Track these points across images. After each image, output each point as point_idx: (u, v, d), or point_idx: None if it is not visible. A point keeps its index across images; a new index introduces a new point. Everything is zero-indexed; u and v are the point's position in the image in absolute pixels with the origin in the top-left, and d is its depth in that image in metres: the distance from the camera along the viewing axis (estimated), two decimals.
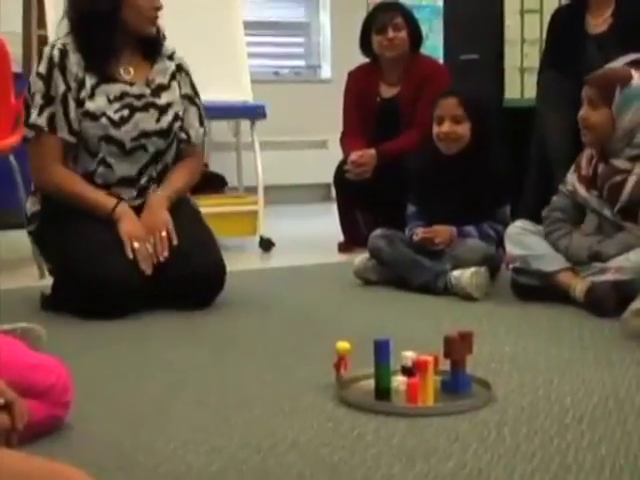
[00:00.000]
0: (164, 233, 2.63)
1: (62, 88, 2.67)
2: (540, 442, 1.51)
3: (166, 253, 2.62)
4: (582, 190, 2.71)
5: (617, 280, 2.51)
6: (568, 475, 1.37)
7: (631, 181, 2.61)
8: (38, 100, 2.67)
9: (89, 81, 2.69)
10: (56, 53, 2.68)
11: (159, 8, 2.72)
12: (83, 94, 2.68)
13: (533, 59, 4.08)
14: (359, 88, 3.92)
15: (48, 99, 2.67)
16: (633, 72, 2.68)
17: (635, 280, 2.41)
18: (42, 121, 2.67)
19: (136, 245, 2.60)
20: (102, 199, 2.68)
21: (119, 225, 2.63)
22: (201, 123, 2.88)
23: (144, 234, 2.63)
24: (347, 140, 3.91)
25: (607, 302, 2.47)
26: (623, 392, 1.79)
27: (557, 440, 1.52)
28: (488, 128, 3.03)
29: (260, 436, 1.56)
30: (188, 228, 2.71)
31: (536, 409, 1.69)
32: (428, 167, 3.08)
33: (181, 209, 2.77)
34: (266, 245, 3.95)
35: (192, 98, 2.87)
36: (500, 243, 2.89)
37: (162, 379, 1.96)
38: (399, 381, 1.76)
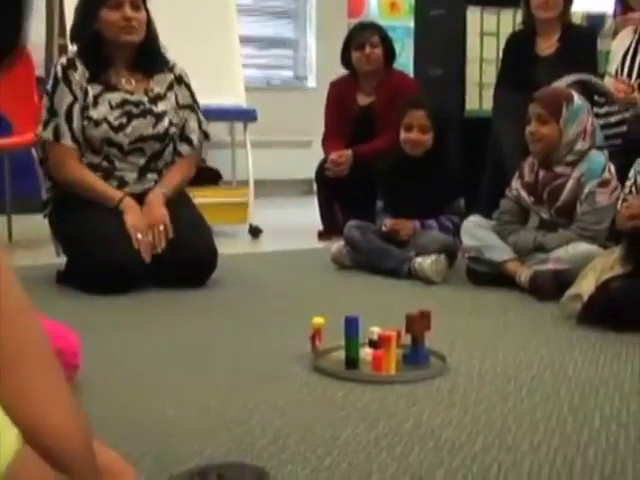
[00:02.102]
0: (162, 227, 2.63)
1: (68, 100, 2.67)
2: (485, 407, 1.53)
3: (163, 245, 2.62)
4: (524, 194, 2.74)
5: (557, 269, 2.53)
6: (508, 435, 1.39)
7: (569, 184, 2.63)
8: (44, 115, 2.70)
9: (92, 91, 2.69)
10: (59, 69, 2.68)
11: (128, 18, 2.66)
12: (87, 101, 2.68)
13: (490, 76, 4.08)
14: (339, 96, 3.92)
15: (52, 113, 2.67)
16: (573, 92, 2.71)
17: (572, 269, 2.42)
18: (48, 134, 2.68)
19: (139, 236, 2.60)
20: (110, 192, 2.67)
21: (125, 217, 2.63)
22: (199, 127, 2.86)
23: (146, 227, 2.62)
24: (328, 142, 3.91)
25: (548, 288, 2.49)
26: (557, 365, 1.81)
27: (500, 405, 1.54)
28: (445, 135, 3.04)
29: (244, 399, 1.57)
30: (183, 215, 2.71)
31: (483, 379, 1.71)
32: (394, 168, 3.09)
33: (176, 198, 2.76)
34: (255, 232, 3.94)
35: (192, 107, 2.85)
36: (457, 233, 2.90)
37: (159, 348, 1.95)
38: (366, 353, 1.77)
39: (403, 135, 3.01)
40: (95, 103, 2.68)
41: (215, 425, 1.43)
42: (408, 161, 3.02)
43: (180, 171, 2.81)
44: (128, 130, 2.70)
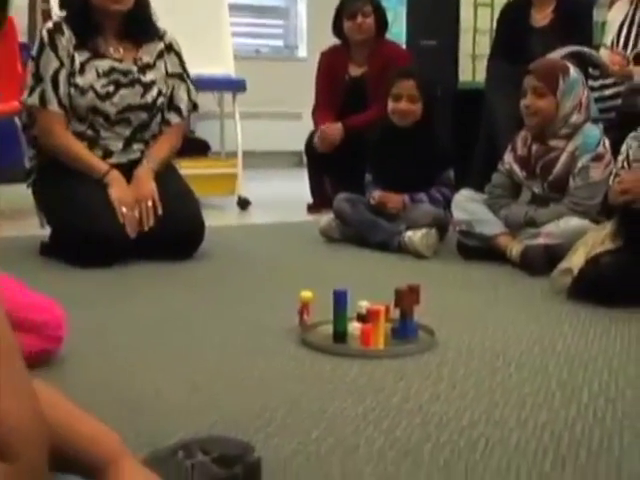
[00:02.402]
0: (150, 203, 2.61)
1: (54, 65, 2.62)
2: (474, 382, 1.54)
3: (151, 222, 2.60)
4: (517, 168, 2.73)
5: (547, 244, 2.53)
6: (495, 410, 1.39)
7: (563, 157, 2.63)
8: (29, 81, 2.65)
9: (78, 58, 2.65)
10: (45, 34, 2.64)
11: None
12: (74, 68, 2.64)
13: (484, 47, 4.07)
14: (330, 67, 3.89)
15: (38, 79, 2.63)
16: (568, 64, 2.70)
17: (563, 244, 2.43)
18: (34, 100, 2.64)
19: (124, 210, 2.57)
20: (96, 163, 2.65)
21: (110, 190, 2.60)
22: (189, 97, 2.83)
23: (132, 200, 2.60)
24: (318, 113, 3.88)
25: (538, 263, 2.50)
26: (547, 340, 1.82)
27: (488, 380, 1.54)
28: (433, 106, 3.03)
29: (232, 373, 1.57)
30: (170, 187, 2.68)
31: (472, 353, 1.71)
32: (382, 139, 3.08)
33: (162, 170, 2.74)
34: (243, 204, 3.93)
35: (181, 76, 2.81)
36: (447, 205, 2.90)
37: (145, 321, 1.95)
38: (354, 327, 1.77)
39: (392, 105, 2.99)
40: (82, 70, 2.65)
41: (201, 399, 1.43)
42: (396, 132, 3.00)
43: (168, 142, 2.78)
44: (115, 99, 2.66)
